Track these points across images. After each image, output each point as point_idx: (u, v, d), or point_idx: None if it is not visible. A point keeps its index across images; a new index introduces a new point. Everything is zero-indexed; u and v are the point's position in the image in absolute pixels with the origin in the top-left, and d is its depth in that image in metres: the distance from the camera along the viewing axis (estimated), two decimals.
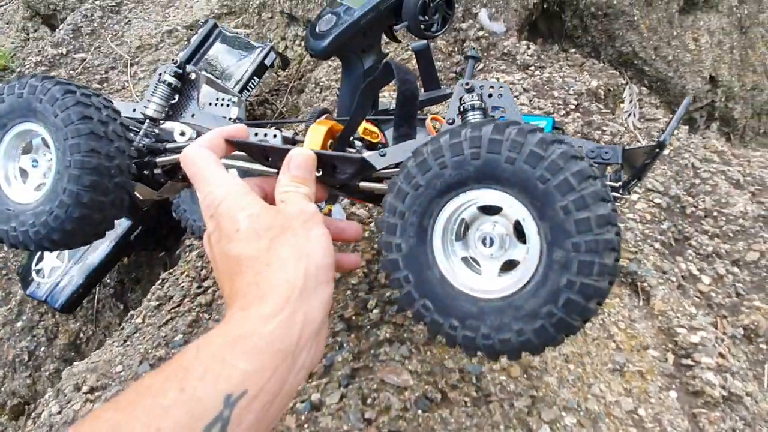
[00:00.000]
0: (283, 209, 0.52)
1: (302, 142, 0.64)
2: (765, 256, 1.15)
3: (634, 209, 1.15)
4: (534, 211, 0.46)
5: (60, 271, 1.41)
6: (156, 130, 0.71)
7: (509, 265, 0.52)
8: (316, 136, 0.62)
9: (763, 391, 0.97)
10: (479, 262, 0.53)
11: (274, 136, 0.64)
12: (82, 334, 1.57)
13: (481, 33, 1.34)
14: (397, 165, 0.60)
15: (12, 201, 0.66)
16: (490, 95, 0.59)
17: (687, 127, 1.39)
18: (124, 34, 1.89)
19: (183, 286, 1.09)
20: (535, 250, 0.48)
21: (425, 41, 0.74)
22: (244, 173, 0.66)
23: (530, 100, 1.22)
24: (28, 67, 1.79)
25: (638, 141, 1.28)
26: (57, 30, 1.93)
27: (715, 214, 1.20)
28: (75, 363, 1.07)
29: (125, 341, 1.01)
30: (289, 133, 0.66)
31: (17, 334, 1.54)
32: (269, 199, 0.55)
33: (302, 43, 1.68)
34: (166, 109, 0.72)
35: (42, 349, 1.54)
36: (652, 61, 1.35)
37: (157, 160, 0.69)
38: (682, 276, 1.07)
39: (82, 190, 0.59)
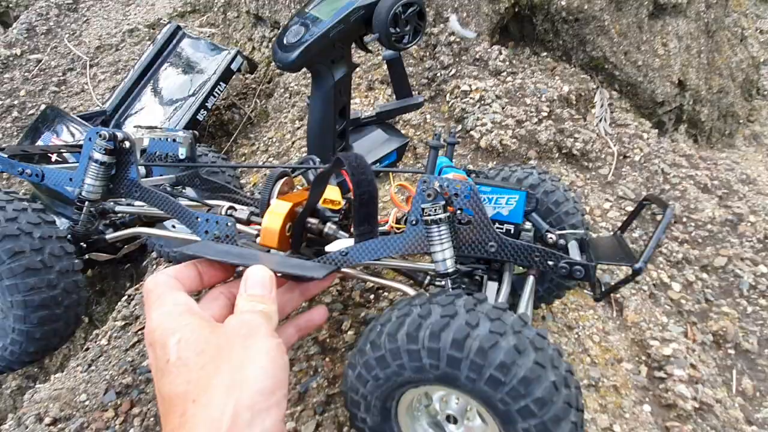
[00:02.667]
0: (225, 325, 0.46)
1: (259, 223, 0.60)
2: (732, 261, 1.17)
3: (606, 218, 1.16)
4: (496, 418, 0.46)
5: None
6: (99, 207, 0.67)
7: None
8: (274, 221, 0.58)
9: (732, 397, 0.99)
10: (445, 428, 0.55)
11: (227, 224, 0.58)
12: None
13: (452, 38, 1.32)
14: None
15: None
16: (456, 194, 0.56)
17: (656, 130, 1.40)
18: (82, 34, 1.81)
19: None
20: None
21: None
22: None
23: (503, 108, 1.21)
24: None
25: (609, 147, 1.28)
26: (10, 29, 1.84)
27: (684, 219, 1.22)
28: (37, 386, 1.03)
29: (90, 366, 0.97)
30: (244, 214, 0.62)
31: None
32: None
33: (270, 45, 1.63)
34: (105, 184, 0.66)
35: None
36: (622, 65, 1.36)
37: (107, 236, 0.65)
38: (654, 284, 1.09)
39: (31, 327, 0.56)
